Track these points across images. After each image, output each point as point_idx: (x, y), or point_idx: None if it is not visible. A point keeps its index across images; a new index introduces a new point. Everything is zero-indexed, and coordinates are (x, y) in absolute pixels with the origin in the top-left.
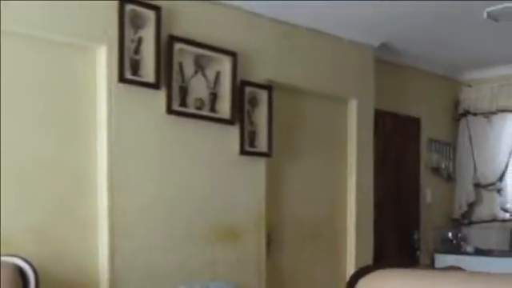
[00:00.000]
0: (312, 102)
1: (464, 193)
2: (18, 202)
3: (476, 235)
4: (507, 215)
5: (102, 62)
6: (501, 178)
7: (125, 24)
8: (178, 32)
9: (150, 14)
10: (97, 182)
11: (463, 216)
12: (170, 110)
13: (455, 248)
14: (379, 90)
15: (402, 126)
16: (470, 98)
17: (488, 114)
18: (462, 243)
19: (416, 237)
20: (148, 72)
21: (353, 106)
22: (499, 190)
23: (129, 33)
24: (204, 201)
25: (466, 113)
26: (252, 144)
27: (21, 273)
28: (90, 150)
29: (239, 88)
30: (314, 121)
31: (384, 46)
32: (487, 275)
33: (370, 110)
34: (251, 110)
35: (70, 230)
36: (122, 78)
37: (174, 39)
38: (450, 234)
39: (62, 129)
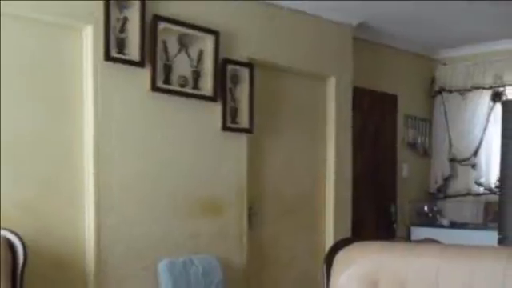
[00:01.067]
0: (292, 79)
1: (439, 167)
2: (8, 177)
3: (451, 209)
4: (481, 189)
5: (89, 40)
6: (475, 153)
7: (110, 4)
8: (163, 12)
9: None
10: (83, 157)
11: (439, 190)
12: (154, 88)
13: (431, 221)
14: (357, 68)
15: (380, 102)
16: (446, 76)
17: (463, 91)
18: (437, 216)
19: (393, 210)
20: (133, 50)
21: (331, 83)
22: (474, 165)
23: (114, 13)
24: (187, 175)
25: (442, 90)
26: (234, 120)
27: (10, 245)
28: (77, 125)
29: (221, 66)
30: (294, 98)
31: (362, 26)
32: (462, 247)
33: (349, 87)
34: (233, 87)
35: (57, 204)
36: (107, 57)
37: (158, 19)
38: (425, 208)
39: (50, 105)
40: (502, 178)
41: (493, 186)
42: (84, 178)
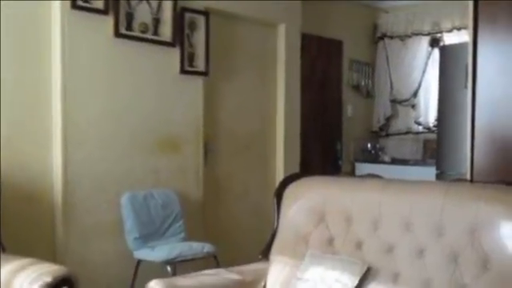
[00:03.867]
0: (245, 26)
1: (382, 108)
2: None
3: (392, 146)
4: (420, 128)
5: None
6: (415, 94)
7: None
8: None
9: None
10: (52, 98)
11: (381, 129)
12: (117, 34)
13: (374, 157)
14: (306, 15)
15: (326, 48)
16: (388, 23)
17: (403, 37)
18: (379, 153)
19: (339, 147)
20: None
21: (282, 30)
22: (413, 106)
23: None
24: (148, 115)
25: (384, 36)
26: (191, 64)
27: None
28: (45, 70)
29: (179, 14)
30: (247, 44)
31: None
32: (402, 182)
33: (297, 33)
34: (190, 33)
35: (29, 143)
36: (74, 5)
37: None
38: (369, 145)
39: (21, 51)
40: (440, 118)
41: (431, 125)
42: (52, 119)
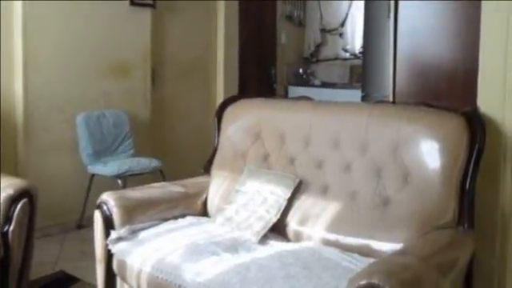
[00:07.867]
0: None
1: (312, 36)
2: None
3: (322, 71)
4: (347, 54)
5: None
6: (342, 24)
7: None
8: None
9: None
10: (13, 28)
11: (312, 55)
12: None
13: (305, 81)
14: None
15: None
16: None
17: None
18: (310, 77)
19: (273, 72)
20: None
21: None
22: (341, 34)
23: None
24: (101, 43)
25: None
26: None
27: None
28: (7, 8)
29: None
30: None
31: None
32: (331, 103)
33: None
34: None
35: None
36: None
37: None
38: (300, 70)
39: None
40: (365, 45)
41: (357, 51)
42: (14, 47)
